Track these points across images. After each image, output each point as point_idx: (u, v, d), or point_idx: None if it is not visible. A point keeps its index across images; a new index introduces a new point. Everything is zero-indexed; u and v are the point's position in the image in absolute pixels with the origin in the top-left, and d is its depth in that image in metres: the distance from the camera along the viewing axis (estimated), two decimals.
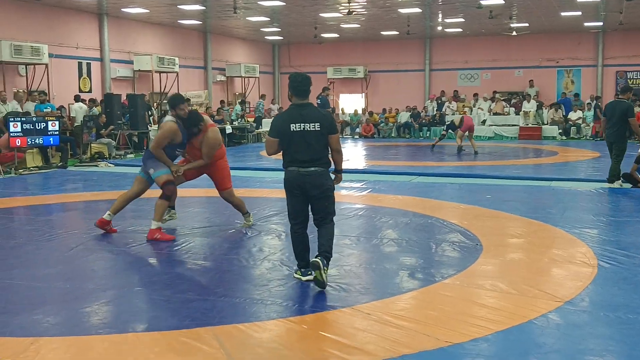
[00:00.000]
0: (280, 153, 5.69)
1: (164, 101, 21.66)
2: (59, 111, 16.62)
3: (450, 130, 18.85)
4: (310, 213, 5.68)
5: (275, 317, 4.78)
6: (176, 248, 7.11)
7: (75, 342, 4.32)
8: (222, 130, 21.36)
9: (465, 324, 4.56)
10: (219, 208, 9.00)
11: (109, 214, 7.70)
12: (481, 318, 4.70)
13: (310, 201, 5.59)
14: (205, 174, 7.95)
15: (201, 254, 6.95)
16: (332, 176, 5.79)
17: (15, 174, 13.78)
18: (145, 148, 15.65)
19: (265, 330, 4.53)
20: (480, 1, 17.27)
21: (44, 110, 15.81)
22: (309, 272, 5.48)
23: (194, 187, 9.68)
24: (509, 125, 24.25)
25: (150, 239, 7.27)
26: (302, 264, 5.64)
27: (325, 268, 5.37)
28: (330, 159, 5.68)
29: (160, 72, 21.57)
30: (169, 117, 7.53)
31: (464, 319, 4.66)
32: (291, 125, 5.49)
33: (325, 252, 5.47)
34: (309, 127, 5.48)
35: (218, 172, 7.86)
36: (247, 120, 24.43)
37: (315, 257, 5.38)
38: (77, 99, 18.08)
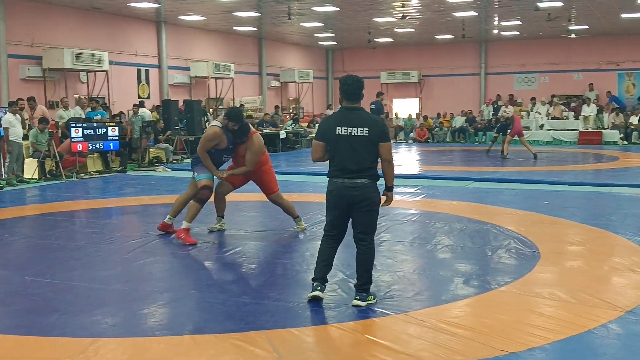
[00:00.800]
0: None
1: (220, 106, 21.99)
2: (118, 117, 17.01)
3: (500, 133, 18.50)
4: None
5: (328, 322, 4.78)
6: (231, 252, 7.19)
7: (132, 343, 4.41)
8: (276, 135, 21.58)
9: (521, 333, 4.47)
10: (273, 212, 9.05)
11: (169, 218, 7.87)
12: (538, 327, 4.59)
13: (353, 215, 5.20)
14: (251, 180, 8.04)
15: (255, 258, 7.02)
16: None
17: (76, 178, 14.19)
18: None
19: (318, 335, 4.54)
20: (538, 4, 16.95)
21: (94, 117, 16.15)
22: (318, 287, 5.16)
23: (249, 192, 9.77)
24: (567, 129, 23.69)
25: (177, 238, 7.46)
26: (317, 276, 5.24)
27: (370, 297, 5.12)
28: (379, 172, 5.24)
29: (216, 78, 21.90)
30: (215, 122, 7.66)
31: (520, 328, 4.57)
32: (337, 128, 5.11)
33: (364, 286, 5.14)
34: (357, 132, 5.06)
35: (264, 177, 7.95)
36: (301, 125, 24.56)
37: (355, 298, 5.10)
38: (140, 105, 18.48)
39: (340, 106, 5.34)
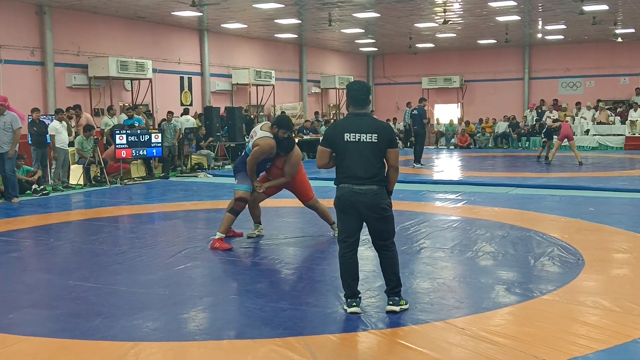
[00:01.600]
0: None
1: (261, 113, 22.15)
2: (159, 125, 17.25)
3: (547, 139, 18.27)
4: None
5: (366, 328, 4.75)
6: (269, 257, 7.22)
7: (172, 347, 4.46)
8: (317, 141, 21.60)
9: (564, 342, 4.38)
10: (311, 218, 9.06)
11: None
12: (582, 336, 4.49)
13: (367, 222, 5.10)
14: (285, 189, 8.08)
15: (294, 263, 7.03)
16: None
17: (120, 184, 14.44)
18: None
19: (357, 342, 4.52)
20: (583, 7, 16.65)
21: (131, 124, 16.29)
22: (354, 304, 5.05)
23: (287, 198, 9.81)
24: (614, 135, 23.19)
25: (212, 248, 7.47)
26: (349, 293, 5.12)
27: (403, 301, 5.09)
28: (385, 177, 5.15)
29: (257, 85, 22.07)
30: (265, 133, 7.53)
31: (563, 337, 4.48)
32: (345, 134, 5.02)
33: (394, 290, 5.11)
34: (365, 138, 4.98)
35: (298, 185, 7.97)
36: None
37: (388, 304, 5.07)
38: (185, 112, 18.73)
39: (348, 113, 5.24)
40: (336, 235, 7.96)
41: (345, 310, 5.08)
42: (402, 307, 5.07)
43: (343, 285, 5.17)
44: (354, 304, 5.06)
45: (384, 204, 5.07)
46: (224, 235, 7.62)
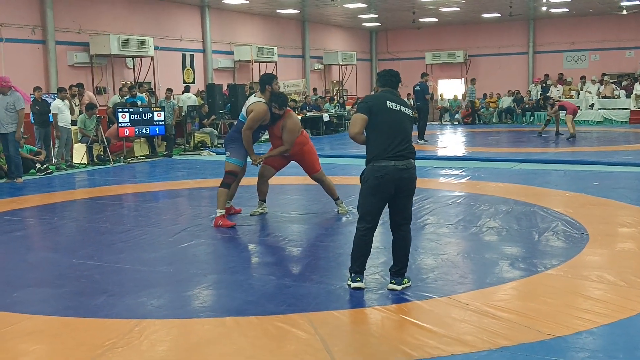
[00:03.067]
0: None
1: (252, 91, 22.04)
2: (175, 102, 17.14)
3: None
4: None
5: (370, 304, 4.76)
6: (273, 235, 7.22)
7: (176, 325, 4.46)
8: (320, 118, 21.55)
9: (568, 317, 4.37)
10: (315, 195, 9.06)
11: (228, 201, 7.92)
12: (586, 310, 4.49)
13: (397, 201, 5.00)
14: (294, 161, 8.02)
15: (298, 240, 7.03)
16: None
17: (124, 162, 14.44)
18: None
19: (360, 318, 4.52)
20: None
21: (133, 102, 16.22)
22: (358, 279, 5.04)
23: (291, 175, 9.79)
24: (619, 109, 23.04)
25: (216, 227, 7.44)
26: (355, 268, 5.06)
27: (405, 280, 5.05)
28: None
29: (259, 62, 21.94)
30: (257, 98, 7.48)
31: (567, 311, 4.47)
32: (387, 102, 4.96)
33: (401, 270, 5.06)
34: (405, 110, 5.03)
35: (306, 157, 7.93)
36: (346, 107, 24.50)
37: (391, 282, 5.04)
38: (186, 89, 18.63)
39: (381, 90, 5.22)
40: (341, 212, 7.99)
41: (349, 285, 5.07)
42: (405, 285, 5.05)
43: (353, 259, 5.08)
44: (358, 279, 5.05)
45: (416, 180, 5.10)
46: (224, 212, 7.60)
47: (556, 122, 18.33)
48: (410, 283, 5.11)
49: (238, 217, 7.94)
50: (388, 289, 5.03)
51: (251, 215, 8.06)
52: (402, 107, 5.03)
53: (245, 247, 6.98)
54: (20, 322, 4.56)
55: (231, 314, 4.64)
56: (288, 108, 7.74)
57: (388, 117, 4.93)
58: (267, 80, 7.59)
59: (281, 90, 7.78)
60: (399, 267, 5.09)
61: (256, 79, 22.03)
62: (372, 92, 27.38)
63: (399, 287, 5.01)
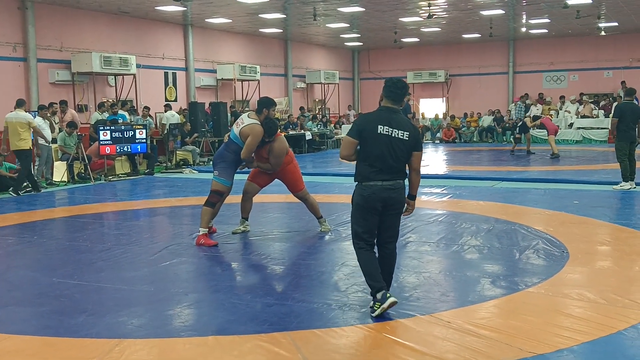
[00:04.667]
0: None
1: (246, 108, 22.06)
2: (151, 120, 17.15)
3: (522, 133, 19.22)
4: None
5: (352, 323, 4.75)
6: (255, 253, 7.20)
7: (157, 344, 4.43)
8: (302, 137, 21.61)
9: (549, 334, 4.40)
10: (297, 213, 9.06)
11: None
12: (567, 328, 4.52)
13: (383, 219, 4.96)
14: (277, 180, 8.04)
15: (280, 259, 7.01)
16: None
17: (105, 180, 14.35)
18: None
19: (342, 336, 4.51)
20: (567, 1, 16.72)
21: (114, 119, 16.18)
22: (388, 294, 4.82)
23: (273, 193, 9.79)
24: (597, 128, 23.34)
25: (198, 245, 7.41)
26: (378, 286, 4.85)
27: (388, 294, 4.87)
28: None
29: (242, 80, 21.99)
30: (252, 120, 7.43)
31: (548, 329, 4.50)
32: (379, 126, 4.86)
33: (387, 286, 4.99)
34: (398, 135, 4.86)
35: (289, 176, 7.94)
36: (329, 126, 24.57)
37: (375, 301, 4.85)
38: (168, 107, 18.59)
39: (381, 106, 5.09)
40: (323, 230, 8.00)
41: (376, 308, 4.79)
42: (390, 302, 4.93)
43: (370, 280, 4.91)
44: (388, 294, 4.84)
45: (404, 199, 5.04)
46: (207, 231, 7.58)
47: (527, 141, 18.93)
48: (396, 299, 5.02)
49: (218, 236, 7.90)
50: (389, 304, 4.88)
51: (233, 233, 8.04)
52: (395, 130, 4.87)
53: (227, 266, 6.95)
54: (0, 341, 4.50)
55: (213, 333, 4.61)
56: (278, 132, 7.79)
57: (378, 142, 4.86)
58: (267, 104, 7.55)
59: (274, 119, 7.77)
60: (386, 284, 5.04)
61: (239, 97, 22.09)
62: (349, 113, 27.67)
63: (385, 306, 4.91)
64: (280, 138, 7.73)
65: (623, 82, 24.98)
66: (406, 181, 5.08)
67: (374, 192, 4.88)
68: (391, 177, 4.89)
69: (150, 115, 18.06)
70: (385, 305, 4.79)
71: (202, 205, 7.67)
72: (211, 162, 7.77)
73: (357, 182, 5.01)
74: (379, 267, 4.98)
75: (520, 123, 19.80)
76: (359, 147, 4.98)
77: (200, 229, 7.54)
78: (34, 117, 13.75)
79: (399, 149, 4.89)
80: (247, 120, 7.45)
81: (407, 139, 4.90)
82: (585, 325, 4.58)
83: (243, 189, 8.00)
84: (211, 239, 7.58)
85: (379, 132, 4.87)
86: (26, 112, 12.72)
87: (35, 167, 13.67)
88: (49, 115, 14.10)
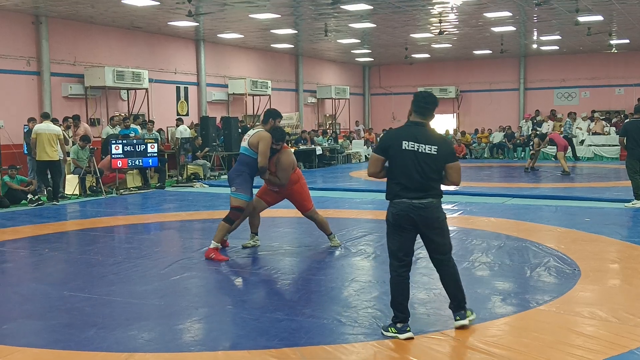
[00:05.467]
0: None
1: (257, 123, 22.14)
2: (157, 134, 17.26)
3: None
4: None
5: (362, 339, 4.74)
6: (265, 268, 7.20)
7: (167, 359, 4.43)
8: (313, 151, 21.65)
9: (561, 353, 4.37)
10: (307, 229, 9.06)
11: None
12: (578, 347, 4.48)
13: (424, 237, 4.88)
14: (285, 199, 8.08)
15: (290, 274, 7.01)
16: None
17: (116, 194, 14.41)
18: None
19: (353, 353, 4.49)
20: (578, 18, 16.74)
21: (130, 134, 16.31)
22: (408, 328, 4.73)
23: (283, 208, 9.79)
24: (609, 145, 23.25)
25: (207, 258, 7.43)
26: (401, 317, 4.78)
27: (469, 312, 4.90)
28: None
29: (253, 95, 22.10)
30: (258, 129, 7.58)
31: (559, 348, 4.47)
32: (404, 142, 4.75)
33: (461, 304, 4.92)
34: (425, 149, 4.72)
35: (296, 196, 7.95)
36: (339, 141, 24.63)
37: (456, 319, 4.88)
38: (180, 121, 18.71)
39: (408, 121, 4.96)
40: (333, 245, 7.99)
41: (391, 331, 4.75)
42: (470, 318, 4.92)
43: (394, 307, 4.84)
44: (408, 328, 4.74)
45: (443, 215, 4.90)
46: (220, 245, 7.59)
47: (534, 157, 18.96)
48: (474, 315, 4.97)
49: (229, 250, 7.91)
50: (455, 328, 4.86)
51: (243, 247, 8.05)
52: (421, 145, 4.74)
53: (237, 281, 6.95)
54: (10, 354, 4.51)
55: (223, 348, 4.61)
56: (285, 145, 7.82)
57: (403, 159, 4.76)
58: (274, 115, 7.70)
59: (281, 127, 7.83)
60: (457, 302, 4.96)
61: (250, 111, 22.19)
62: (356, 128, 27.72)
63: (466, 322, 4.86)
64: (287, 151, 7.77)
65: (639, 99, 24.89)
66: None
67: (402, 209, 4.78)
68: (421, 195, 4.75)
69: (161, 129, 18.16)
70: (401, 337, 4.69)
71: (219, 220, 7.71)
72: (222, 177, 7.79)
73: (389, 201, 4.91)
74: (407, 296, 4.87)
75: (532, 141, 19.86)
76: (387, 164, 4.90)
77: (212, 242, 7.55)
78: None
79: (426, 165, 4.74)
80: (252, 131, 7.61)
81: (435, 153, 4.74)
82: (597, 343, 4.54)
83: (252, 206, 8.03)
84: (223, 254, 7.59)
85: (403, 148, 4.76)
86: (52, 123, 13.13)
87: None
88: (63, 129, 14.20)
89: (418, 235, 4.94)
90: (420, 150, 4.74)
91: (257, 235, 8.18)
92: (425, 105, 4.87)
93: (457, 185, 4.97)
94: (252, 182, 7.68)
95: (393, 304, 4.86)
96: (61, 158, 13.20)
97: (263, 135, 7.45)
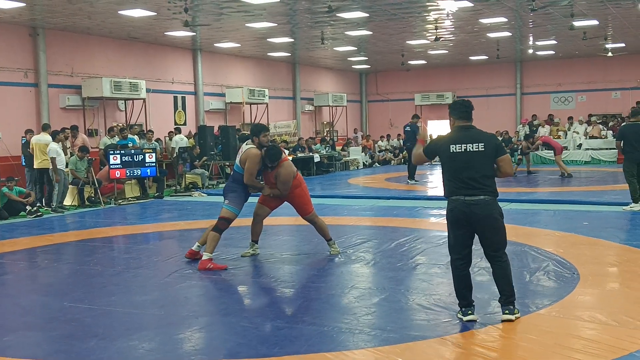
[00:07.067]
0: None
1: (247, 136, 22.17)
2: (157, 143, 17.27)
3: (524, 155, 19.39)
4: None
5: (363, 346, 4.75)
6: (265, 276, 7.21)
7: None
8: (311, 159, 21.68)
9: (561, 357, 4.38)
10: (307, 236, 9.07)
11: (198, 246, 7.97)
12: (578, 351, 4.49)
13: (479, 233, 5.20)
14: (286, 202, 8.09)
15: (289, 281, 7.02)
16: None
17: (114, 204, 14.41)
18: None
19: None
20: (573, 23, 16.81)
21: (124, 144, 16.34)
22: (470, 312, 5.19)
23: (283, 216, 9.81)
24: (606, 149, 23.31)
25: (202, 269, 7.36)
26: (464, 303, 5.23)
27: (516, 310, 5.17)
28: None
29: (250, 104, 22.13)
30: (250, 145, 7.64)
31: (559, 352, 4.48)
32: (451, 146, 5.15)
33: (509, 299, 5.17)
34: (472, 148, 5.10)
35: (297, 200, 7.97)
36: (336, 148, 24.66)
37: (504, 313, 5.14)
38: (177, 131, 18.72)
39: (454, 127, 5.33)
40: (333, 252, 8.01)
41: (461, 318, 5.18)
42: (517, 315, 5.14)
43: (457, 295, 5.27)
44: (470, 312, 5.19)
45: (496, 213, 5.17)
46: (212, 256, 7.54)
47: (527, 161, 19.12)
48: (520, 314, 5.20)
49: (228, 259, 7.92)
50: (502, 320, 5.10)
51: (242, 256, 8.06)
52: (469, 145, 5.11)
53: (236, 289, 6.96)
54: None
55: (223, 356, 4.62)
56: (285, 156, 7.85)
57: (453, 161, 5.14)
58: (256, 132, 7.69)
59: (271, 131, 7.85)
60: (506, 296, 5.19)
61: (247, 120, 22.23)
62: (354, 135, 27.77)
63: (512, 317, 5.10)
64: (286, 163, 7.78)
65: (638, 102, 24.92)
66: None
67: (456, 206, 5.15)
68: (474, 193, 5.08)
69: (159, 139, 18.18)
70: (464, 319, 5.16)
71: (209, 229, 7.72)
72: (219, 185, 7.82)
73: (445, 197, 5.29)
74: (468, 286, 5.24)
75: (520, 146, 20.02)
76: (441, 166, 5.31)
77: (205, 253, 7.52)
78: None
79: (478, 162, 5.08)
80: (244, 147, 7.67)
81: (483, 149, 5.09)
82: (597, 347, 4.55)
83: (254, 212, 8.04)
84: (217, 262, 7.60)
85: (452, 151, 5.14)
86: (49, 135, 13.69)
87: (55, 193, 13.60)
88: (63, 139, 14.22)
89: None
90: (469, 150, 5.10)
91: (257, 243, 8.19)
92: (466, 109, 5.29)
93: (510, 175, 5.40)
94: (245, 197, 7.74)
95: (455, 292, 5.30)
96: (50, 168, 13.29)
97: (250, 153, 7.55)
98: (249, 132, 8.20)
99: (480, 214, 5.08)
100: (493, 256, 5.23)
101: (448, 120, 5.41)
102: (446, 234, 9.19)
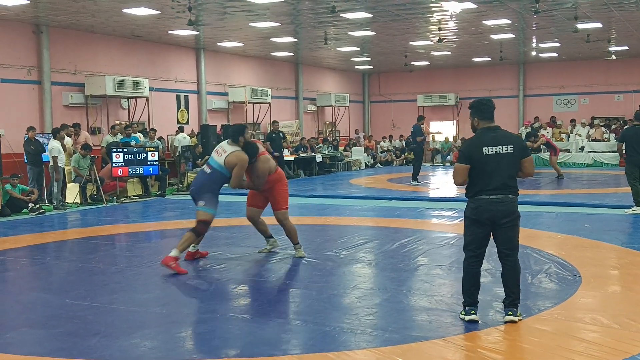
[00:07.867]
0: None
1: (257, 131, 22.21)
2: (159, 142, 17.29)
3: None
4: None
5: (364, 346, 4.75)
6: (267, 275, 7.22)
7: None
8: (313, 159, 21.68)
9: (562, 359, 4.38)
10: (308, 236, 9.07)
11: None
12: (580, 353, 4.49)
13: (497, 232, 5.25)
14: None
15: (292, 281, 7.03)
16: None
17: (117, 202, 14.43)
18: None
19: (355, 359, 4.51)
20: (577, 25, 16.79)
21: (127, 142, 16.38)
22: (473, 311, 5.22)
23: None
24: (609, 151, 23.29)
25: (164, 264, 7.21)
26: (469, 301, 5.27)
27: (519, 313, 5.20)
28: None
29: (253, 103, 22.14)
30: (234, 147, 7.53)
31: (561, 354, 4.48)
32: (484, 149, 5.19)
33: (515, 301, 5.21)
34: (503, 150, 5.19)
35: (274, 194, 7.92)
36: (339, 148, 24.66)
37: (507, 314, 5.18)
38: (180, 129, 18.73)
39: (480, 129, 5.36)
40: (299, 256, 7.94)
41: (463, 318, 5.21)
42: (520, 318, 5.18)
43: (464, 292, 5.30)
44: (473, 311, 5.22)
45: (517, 213, 5.26)
46: (180, 255, 7.34)
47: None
48: (522, 317, 5.23)
49: (232, 258, 7.92)
50: (505, 322, 5.12)
51: (259, 252, 8.11)
52: (500, 147, 5.19)
53: (239, 287, 6.95)
54: None
55: (226, 355, 4.62)
56: (263, 151, 7.83)
57: (485, 164, 5.17)
58: (241, 132, 7.61)
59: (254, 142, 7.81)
60: (512, 298, 5.21)
61: (250, 119, 22.23)
62: (356, 136, 27.73)
63: (516, 319, 5.12)
64: (262, 157, 7.75)
65: None
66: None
67: (481, 205, 5.19)
68: (500, 192, 5.16)
69: (161, 138, 18.19)
70: (466, 318, 5.20)
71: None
72: (225, 186, 7.75)
73: (469, 198, 5.32)
74: (477, 284, 5.28)
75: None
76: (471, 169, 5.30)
77: (174, 249, 7.30)
78: (49, 139, 13.91)
79: (507, 163, 5.18)
80: (229, 149, 7.52)
81: (512, 151, 5.20)
82: (599, 349, 4.55)
83: (247, 217, 8.07)
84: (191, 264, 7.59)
85: (485, 153, 5.18)
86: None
87: (55, 191, 13.60)
88: (64, 136, 14.23)
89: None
90: (499, 152, 5.18)
91: (273, 237, 8.24)
92: (488, 109, 5.38)
93: (532, 176, 5.47)
94: (218, 196, 7.68)
95: (463, 289, 5.31)
96: (51, 165, 13.30)
97: (241, 158, 7.45)
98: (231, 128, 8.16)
99: (505, 211, 5.16)
100: (507, 254, 5.27)
101: (470, 121, 5.46)
102: (448, 235, 9.27)
